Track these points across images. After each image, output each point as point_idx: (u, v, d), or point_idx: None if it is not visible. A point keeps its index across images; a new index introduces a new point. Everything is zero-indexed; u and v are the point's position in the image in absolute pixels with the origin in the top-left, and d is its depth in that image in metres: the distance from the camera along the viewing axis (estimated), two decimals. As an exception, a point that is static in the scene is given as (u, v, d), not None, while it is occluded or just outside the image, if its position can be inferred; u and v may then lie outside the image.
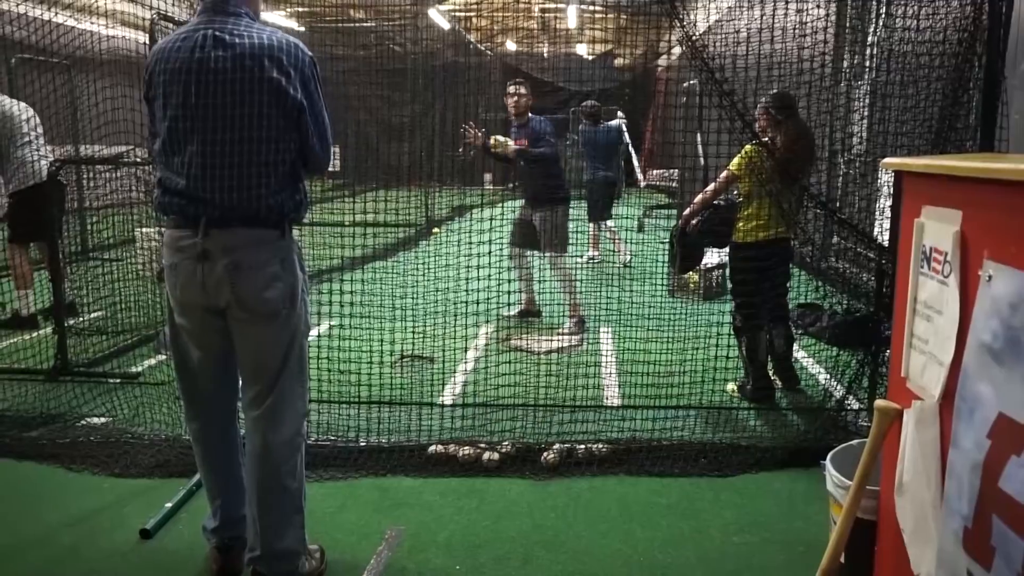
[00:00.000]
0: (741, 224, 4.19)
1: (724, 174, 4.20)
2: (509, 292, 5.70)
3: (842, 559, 1.95)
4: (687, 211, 4.44)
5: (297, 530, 2.49)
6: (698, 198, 4.38)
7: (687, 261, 4.65)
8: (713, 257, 6.96)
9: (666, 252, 4.96)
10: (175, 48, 2.27)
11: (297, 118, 2.31)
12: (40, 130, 5.34)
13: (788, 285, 4.39)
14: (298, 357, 2.45)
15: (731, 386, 4.35)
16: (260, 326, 2.36)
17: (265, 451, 2.42)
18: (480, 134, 5.76)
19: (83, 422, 3.88)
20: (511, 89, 5.76)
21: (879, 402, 1.82)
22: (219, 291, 2.29)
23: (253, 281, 2.30)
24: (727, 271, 6.90)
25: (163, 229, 2.46)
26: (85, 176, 6.22)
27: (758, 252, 4.13)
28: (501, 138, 5.72)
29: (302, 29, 8.58)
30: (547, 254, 5.69)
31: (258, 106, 2.25)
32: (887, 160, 1.94)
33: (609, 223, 8.56)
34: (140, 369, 4.63)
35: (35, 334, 5.26)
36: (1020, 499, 1.29)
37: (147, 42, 4.45)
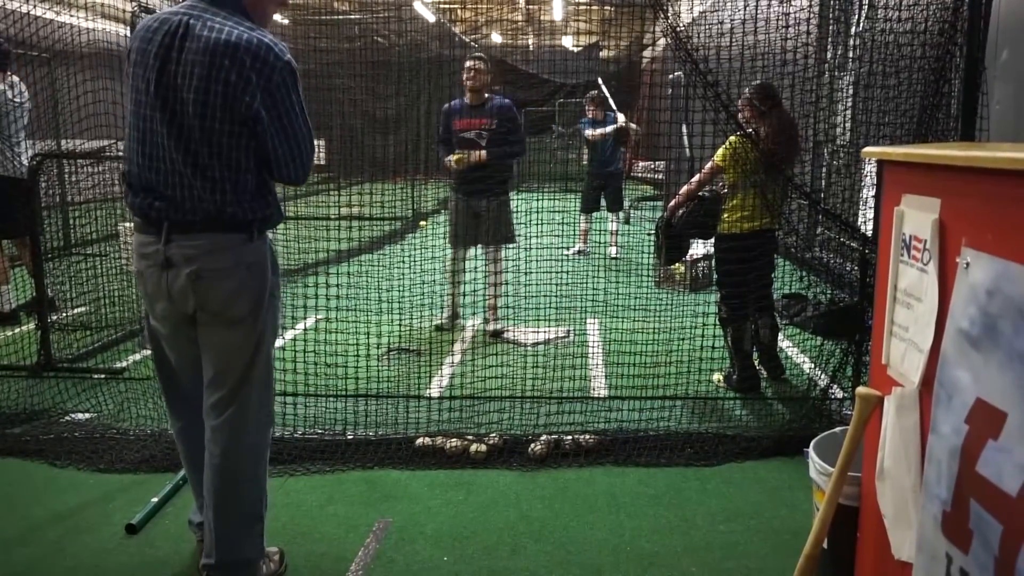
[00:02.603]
0: (726, 215, 4.21)
1: (709, 165, 4.22)
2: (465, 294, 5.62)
3: (825, 544, 1.97)
4: (672, 202, 4.46)
5: (256, 539, 2.43)
6: (683, 189, 4.40)
7: (673, 252, 4.66)
8: (699, 248, 6.99)
9: (652, 244, 4.97)
10: (152, 29, 2.16)
11: (253, 127, 2.15)
12: (26, 104, 5.27)
13: (773, 276, 4.41)
14: (264, 365, 2.36)
15: (717, 376, 4.37)
16: (223, 331, 2.28)
17: (224, 463, 2.34)
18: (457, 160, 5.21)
19: (67, 418, 3.86)
20: (471, 64, 5.23)
21: (860, 389, 1.84)
22: (184, 299, 2.23)
23: (217, 289, 2.22)
24: (713, 262, 6.95)
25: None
26: (67, 170, 6.16)
27: (743, 243, 4.15)
28: (455, 157, 5.19)
29: (286, 22, 8.52)
30: (491, 247, 5.37)
31: (211, 109, 2.11)
32: (868, 149, 1.95)
33: (613, 219, 8.52)
34: (125, 364, 4.60)
35: (16, 330, 5.22)
36: (997, 483, 1.31)
37: (128, 35, 4.41)
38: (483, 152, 5.16)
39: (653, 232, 4.78)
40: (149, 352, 2.75)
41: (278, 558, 2.63)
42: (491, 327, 5.45)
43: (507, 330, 5.44)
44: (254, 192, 2.24)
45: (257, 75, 2.11)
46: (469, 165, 5.16)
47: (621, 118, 8.26)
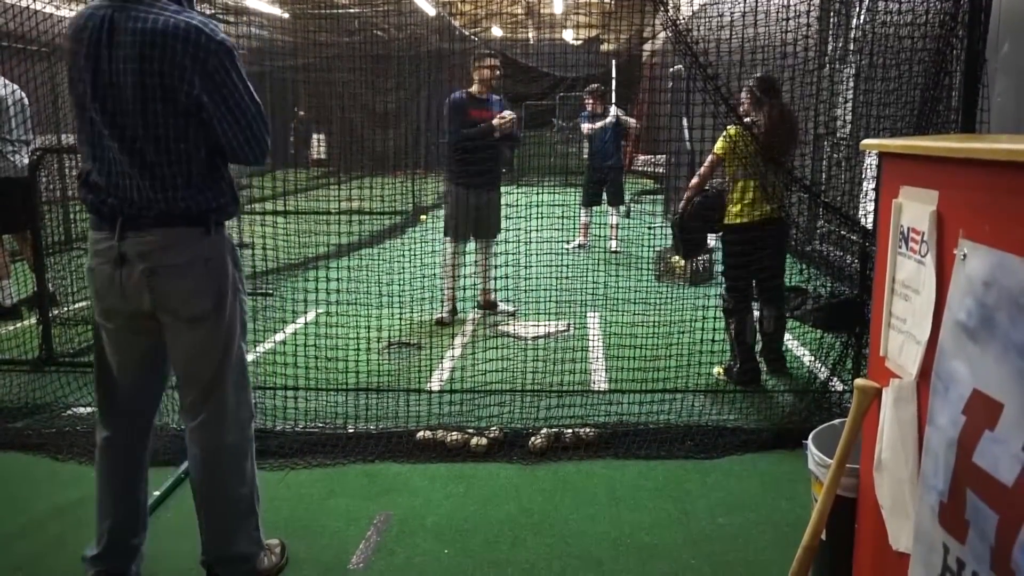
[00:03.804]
0: (730, 207, 4.23)
1: (710, 158, 4.23)
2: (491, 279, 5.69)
3: (823, 536, 1.98)
4: (684, 198, 4.51)
5: (251, 532, 2.40)
6: (691, 183, 4.44)
7: (690, 247, 4.74)
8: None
9: (670, 240, 5.04)
10: (79, 27, 2.07)
11: (197, 115, 2.09)
12: (27, 112, 5.28)
13: (782, 266, 4.42)
14: (236, 363, 2.30)
15: (717, 369, 4.38)
16: (187, 332, 2.21)
17: (207, 463, 2.31)
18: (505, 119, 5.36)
19: (69, 412, 3.87)
20: (490, 61, 5.53)
21: (858, 381, 1.84)
22: (140, 297, 2.15)
23: (173, 286, 2.16)
24: (715, 255, 6.96)
25: None
26: (68, 165, 6.17)
27: (746, 234, 4.17)
28: (507, 116, 5.36)
29: (286, 16, 8.50)
30: (483, 240, 5.59)
31: (151, 102, 2.04)
32: (866, 141, 1.95)
33: (614, 212, 8.53)
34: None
35: (18, 324, 5.22)
36: (993, 473, 1.31)
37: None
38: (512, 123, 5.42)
39: (671, 228, 4.88)
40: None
41: (279, 550, 2.63)
42: (492, 311, 5.59)
43: (505, 311, 5.56)
44: (207, 180, 2.18)
45: (192, 60, 2.03)
46: (513, 126, 5.40)
47: (613, 110, 8.29)
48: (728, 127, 3.94)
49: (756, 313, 4.41)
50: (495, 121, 5.31)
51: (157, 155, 2.09)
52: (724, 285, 4.42)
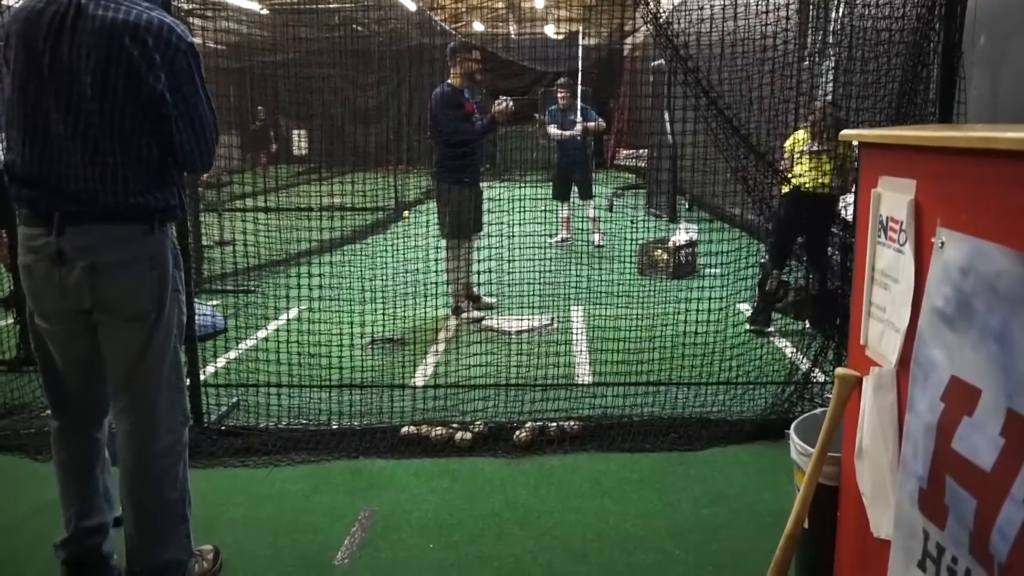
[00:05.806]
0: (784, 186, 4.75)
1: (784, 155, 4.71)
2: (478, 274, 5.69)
3: (806, 524, 1.99)
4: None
5: (182, 539, 2.35)
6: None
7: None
8: (682, 236, 7.03)
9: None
10: (36, 11, 2.02)
11: (158, 110, 2.06)
12: None
13: (821, 236, 4.72)
14: (172, 363, 2.27)
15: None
16: (125, 330, 2.17)
17: (140, 467, 2.26)
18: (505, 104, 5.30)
19: (47, 412, 3.80)
20: (476, 54, 5.55)
21: (839, 370, 1.86)
22: (79, 294, 2.09)
23: (115, 283, 2.11)
24: (697, 248, 7.01)
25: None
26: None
27: (789, 204, 4.66)
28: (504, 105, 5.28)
29: (265, 12, 8.43)
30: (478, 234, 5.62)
31: (111, 92, 2.01)
32: (844, 132, 1.97)
33: (589, 205, 8.53)
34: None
35: (-4, 325, 5.15)
36: (972, 458, 1.33)
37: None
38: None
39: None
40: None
41: (212, 556, 2.55)
42: (474, 312, 5.55)
43: (488, 304, 5.62)
44: (157, 181, 2.15)
45: (161, 56, 2.03)
46: (508, 109, 5.33)
47: (579, 119, 8.30)
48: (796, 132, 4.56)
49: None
50: (499, 107, 5.25)
51: (111, 144, 2.05)
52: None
